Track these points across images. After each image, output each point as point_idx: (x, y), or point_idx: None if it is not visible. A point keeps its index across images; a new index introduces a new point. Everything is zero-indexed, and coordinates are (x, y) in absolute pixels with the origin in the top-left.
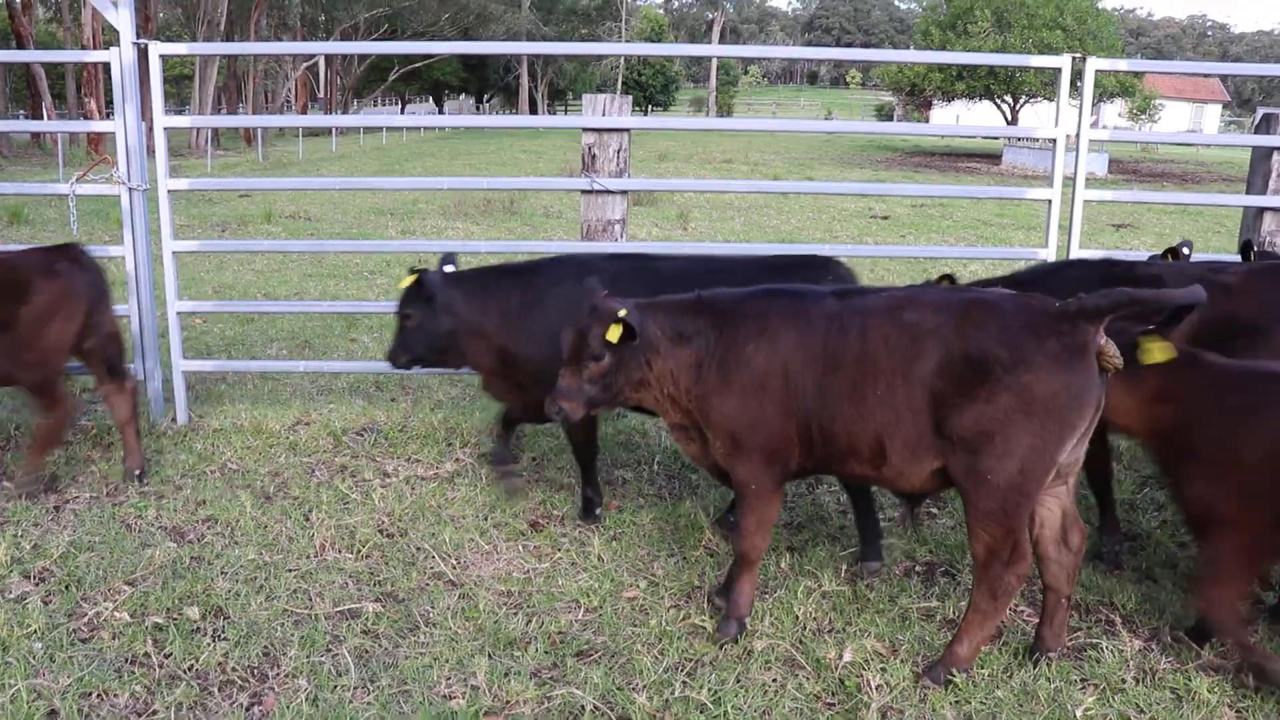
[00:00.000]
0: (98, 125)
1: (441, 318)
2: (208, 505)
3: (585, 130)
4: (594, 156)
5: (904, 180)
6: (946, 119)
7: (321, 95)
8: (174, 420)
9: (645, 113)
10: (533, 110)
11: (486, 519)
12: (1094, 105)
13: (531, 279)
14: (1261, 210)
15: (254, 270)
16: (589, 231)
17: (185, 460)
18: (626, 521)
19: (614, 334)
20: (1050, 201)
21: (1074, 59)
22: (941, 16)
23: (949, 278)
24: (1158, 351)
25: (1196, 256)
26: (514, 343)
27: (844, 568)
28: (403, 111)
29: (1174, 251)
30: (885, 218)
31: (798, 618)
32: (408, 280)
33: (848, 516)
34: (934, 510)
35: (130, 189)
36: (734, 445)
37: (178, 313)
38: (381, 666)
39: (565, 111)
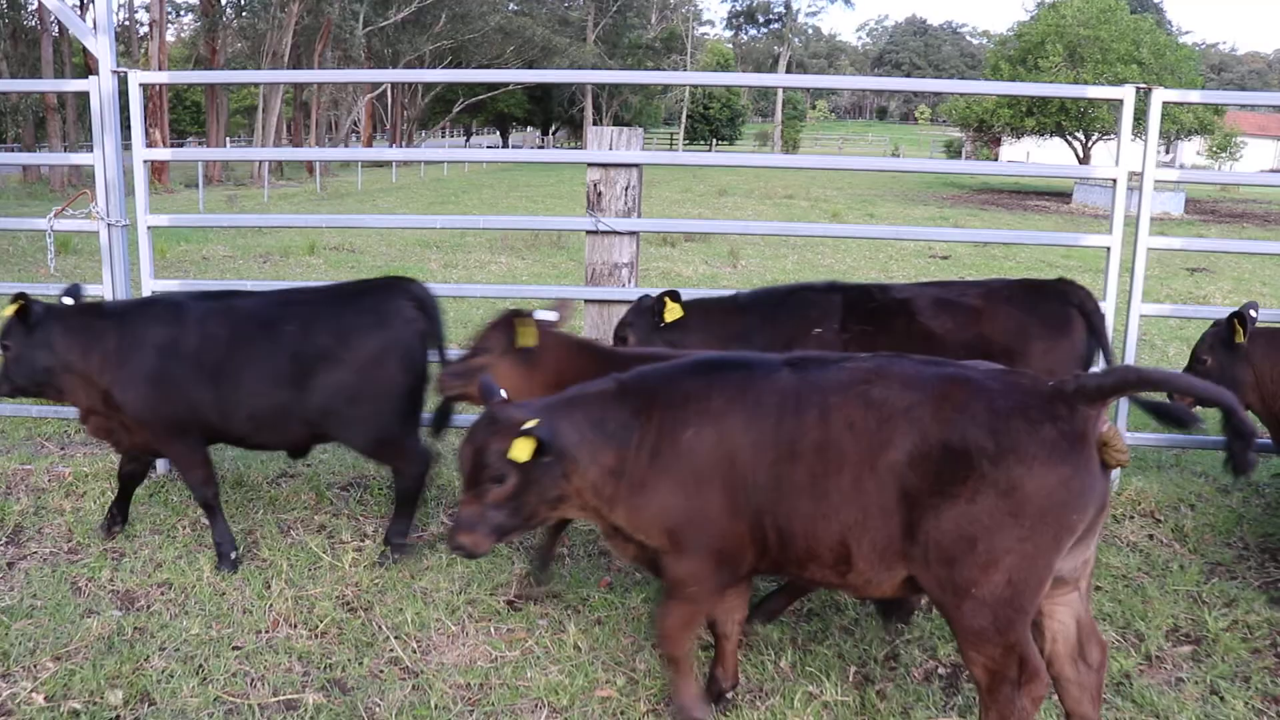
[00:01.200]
0: (76, 158)
1: (39, 352)
2: (165, 568)
3: (591, 165)
4: (600, 194)
5: (969, 218)
6: (1016, 155)
7: (387, 126)
8: (153, 469)
9: (710, 146)
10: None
11: (461, 593)
12: (1170, 142)
13: (125, 320)
14: None
15: None
16: (594, 275)
17: (156, 514)
18: (614, 603)
19: (520, 451)
20: (1109, 249)
21: (1138, 89)
22: (1012, 51)
23: None
24: (529, 335)
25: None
26: (114, 386)
27: (853, 669)
28: (468, 143)
29: (1240, 315)
30: (945, 257)
31: None
32: (10, 309)
33: (865, 604)
34: None
35: (109, 224)
36: (674, 545)
37: None
38: None
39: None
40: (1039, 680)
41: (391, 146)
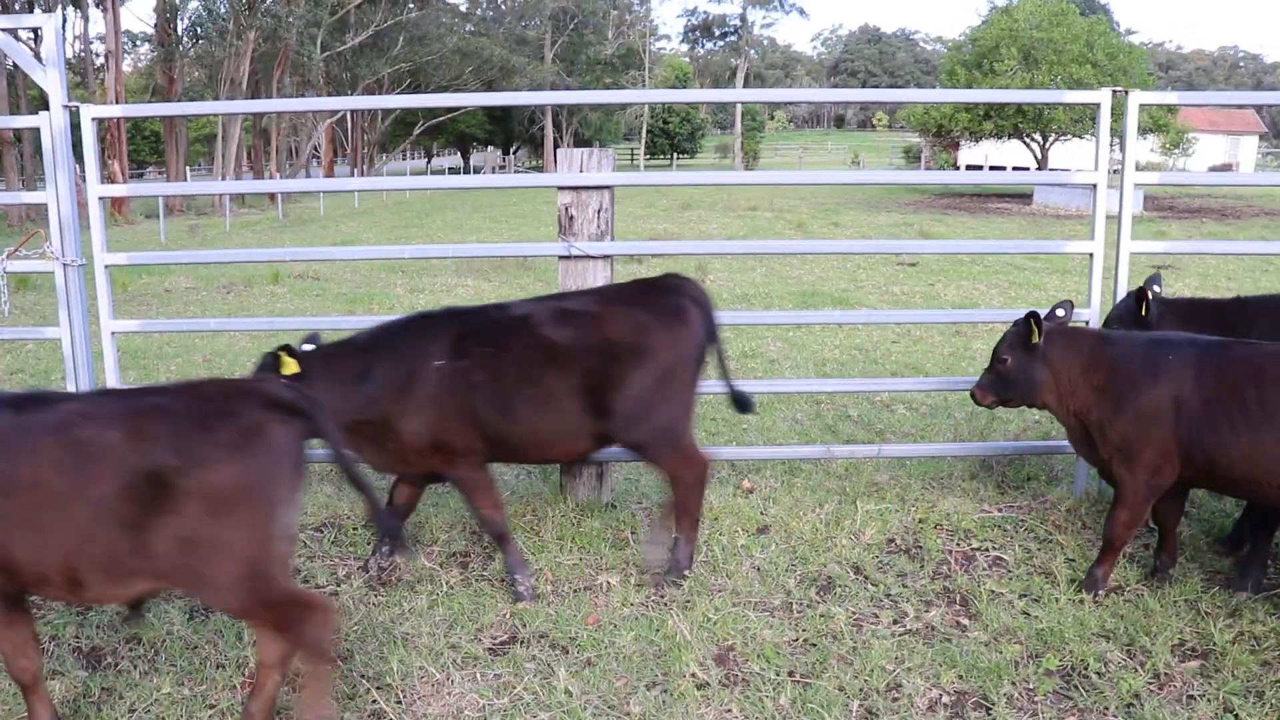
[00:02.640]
0: (28, 196)
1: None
2: (135, 622)
3: (561, 189)
4: (571, 218)
5: (933, 223)
6: (974, 159)
7: (348, 150)
8: None
9: (671, 160)
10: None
11: (444, 638)
12: (1123, 141)
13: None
14: None
15: (250, 336)
16: None
17: None
18: (604, 642)
19: None
20: (1091, 255)
21: (1115, 93)
22: (967, 56)
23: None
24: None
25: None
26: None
27: (855, 703)
28: (429, 164)
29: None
30: (913, 264)
31: None
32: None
33: (862, 631)
34: (964, 622)
35: (65, 264)
36: None
37: None
38: None
39: None
40: (324, 607)
41: (352, 171)
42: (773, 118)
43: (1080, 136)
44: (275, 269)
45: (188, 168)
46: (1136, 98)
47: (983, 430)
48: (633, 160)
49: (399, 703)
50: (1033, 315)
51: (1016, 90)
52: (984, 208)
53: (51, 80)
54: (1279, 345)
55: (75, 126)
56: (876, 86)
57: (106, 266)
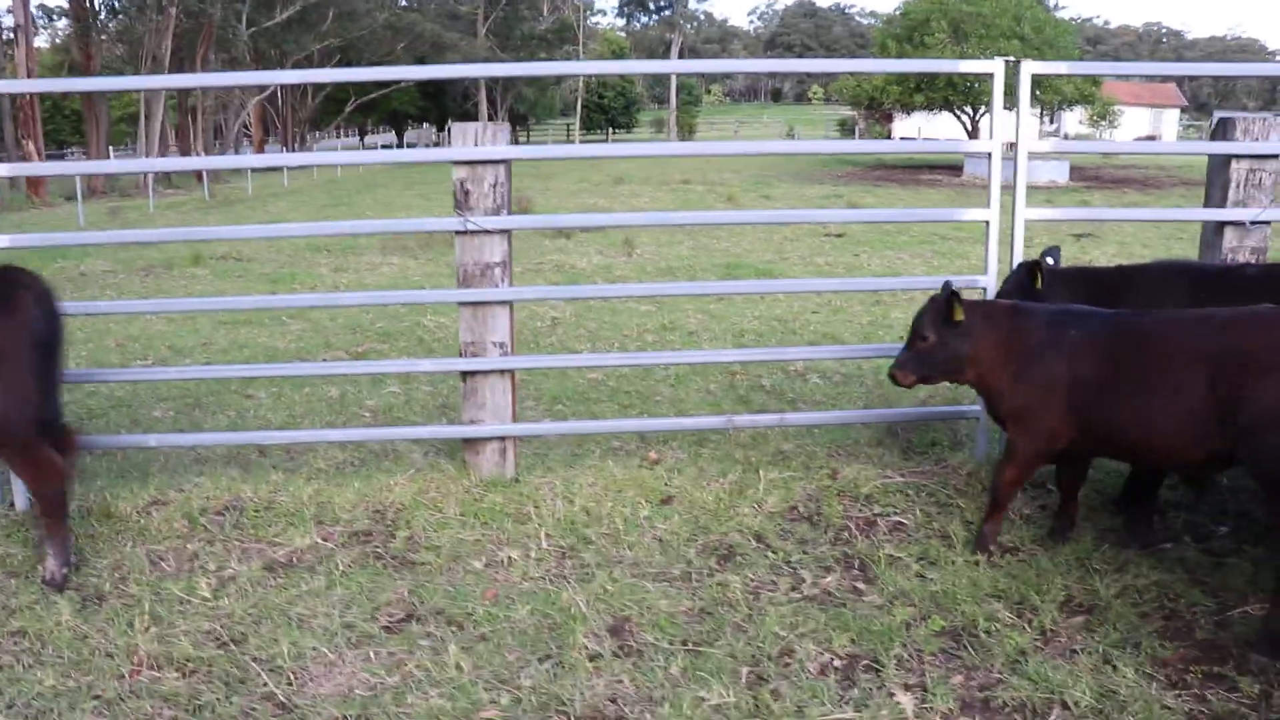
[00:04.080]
0: None
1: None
2: (20, 614)
3: (456, 164)
4: (467, 193)
5: (863, 194)
6: (908, 131)
7: (279, 128)
8: (10, 506)
9: (607, 135)
10: None
11: (340, 618)
12: (1053, 112)
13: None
14: (1221, 225)
15: (167, 319)
16: (466, 277)
17: (14, 555)
18: (500, 617)
19: None
20: (988, 222)
21: (1007, 63)
22: (899, 29)
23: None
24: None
25: None
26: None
27: (746, 670)
28: (362, 142)
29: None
30: (840, 235)
31: None
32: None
33: (759, 598)
34: (860, 587)
35: None
36: None
37: None
38: None
39: (528, 137)
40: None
41: (284, 150)
42: (709, 92)
43: (1010, 109)
44: (196, 251)
45: (110, 148)
46: (1029, 67)
47: (889, 397)
48: (569, 135)
49: (289, 684)
50: (951, 291)
51: (912, 60)
52: (915, 179)
53: None
54: (1171, 313)
55: None
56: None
57: None
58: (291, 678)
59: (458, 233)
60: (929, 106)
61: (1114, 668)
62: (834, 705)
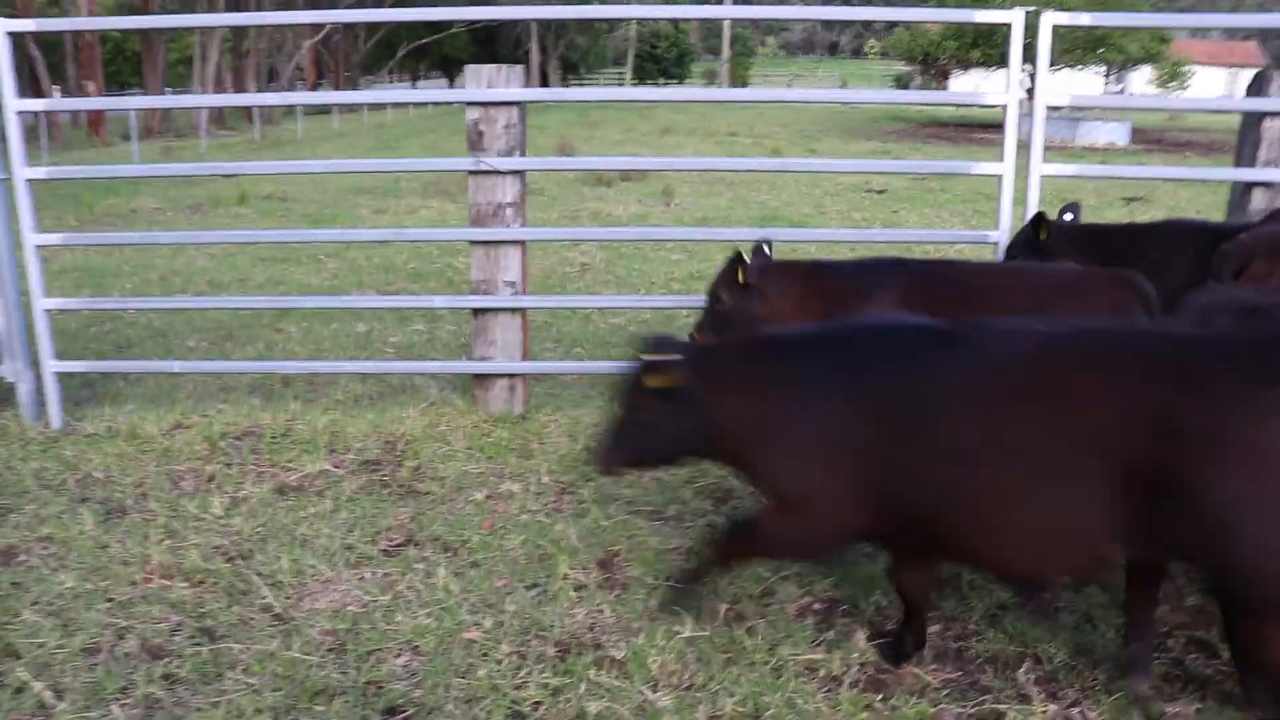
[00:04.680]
0: None
1: None
2: (49, 522)
3: (470, 105)
4: (480, 134)
5: (911, 151)
6: (965, 87)
7: (331, 72)
8: (47, 425)
9: (659, 84)
10: (545, 85)
11: (341, 540)
12: (1117, 73)
13: None
14: (1249, 186)
15: (208, 255)
16: (479, 216)
17: (48, 469)
18: (493, 546)
19: None
20: (1001, 177)
21: (1027, 14)
22: None
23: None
24: None
25: None
26: None
27: (724, 607)
28: (414, 86)
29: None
30: (881, 191)
31: (650, 672)
32: None
33: None
34: None
35: None
36: None
37: (45, 310)
38: None
39: (580, 85)
40: None
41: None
42: (764, 44)
43: (1072, 66)
44: (243, 190)
45: (166, 88)
46: (1050, 18)
47: None
48: (620, 85)
49: (288, 598)
50: (738, 258)
51: (926, 9)
52: (967, 137)
53: None
54: (982, 264)
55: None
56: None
57: (26, 181)
58: (290, 592)
59: (470, 173)
60: (985, 62)
61: (1094, 626)
62: (806, 646)
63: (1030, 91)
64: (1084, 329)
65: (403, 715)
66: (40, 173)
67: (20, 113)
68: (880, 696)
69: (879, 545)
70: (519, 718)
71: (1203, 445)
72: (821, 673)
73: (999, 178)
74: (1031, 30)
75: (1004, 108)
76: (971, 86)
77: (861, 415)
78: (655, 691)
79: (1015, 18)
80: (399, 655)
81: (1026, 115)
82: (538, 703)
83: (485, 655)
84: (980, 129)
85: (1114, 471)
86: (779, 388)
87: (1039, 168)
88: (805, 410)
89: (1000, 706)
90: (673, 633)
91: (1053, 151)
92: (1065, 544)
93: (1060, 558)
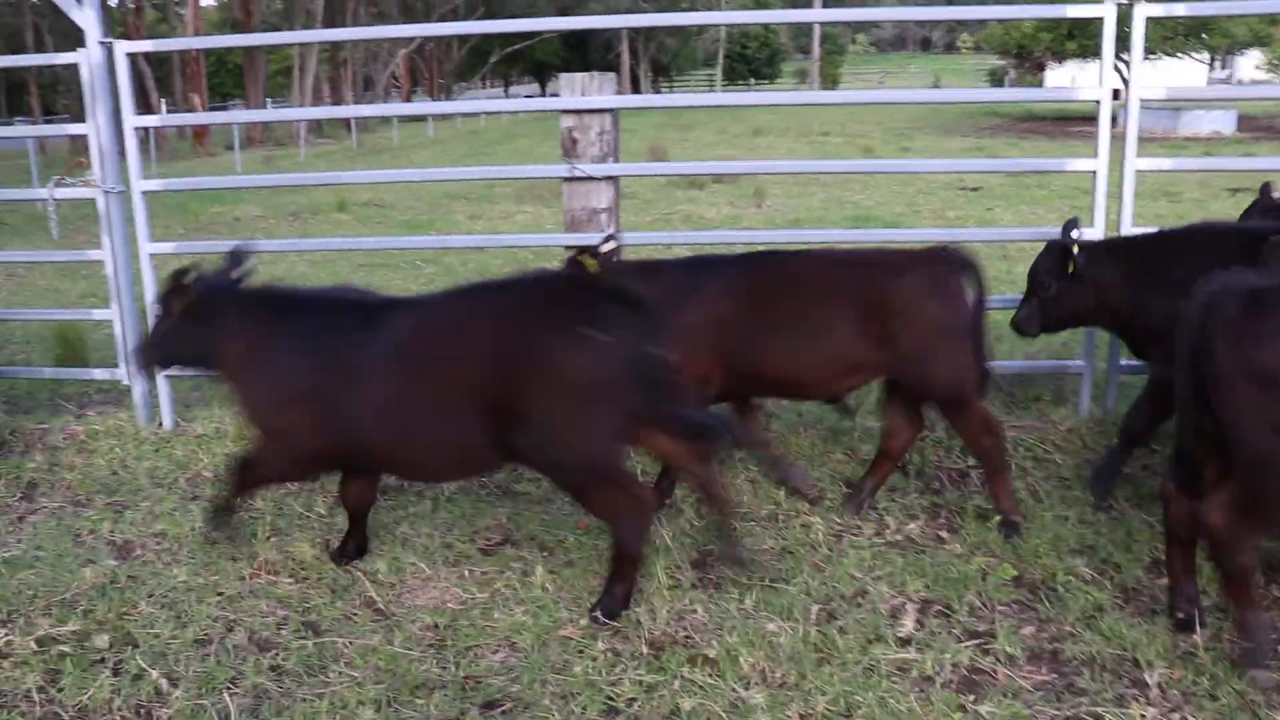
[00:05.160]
0: (72, 128)
1: None
2: (163, 519)
3: (564, 113)
4: (574, 141)
5: (1007, 147)
6: (1061, 80)
7: (425, 80)
8: (160, 426)
9: (748, 86)
10: (635, 88)
11: (440, 539)
12: (1224, 58)
13: None
14: None
15: (309, 261)
16: (574, 222)
17: (161, 468)
18: (588, 545)
19: None
20: (1095, 173)
21: (1119, 5)
22: None
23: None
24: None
25: None
26: None
27: (816, 607)
28: (506, 92)
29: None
30: (976, 189)
31: (742, 672)
32: None
33: (841, 541)
34: (943, 535)
35: (105, 191)
36: None
37: None
38: (272, 712)
39: (670, 88)
40: None
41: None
42: (854, 41)
43: (1174, 55)
44: (341, 197)
45: (268, 99)
46: (1143, 9)
47: (998, 348)
48: (711, 87)
49: (389, 594)
50: (583, 252)
51: (1018, 6)
52: (1064, 131)
53: (87, 18)
54: (807, 253)
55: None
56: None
57: (143, 193)
58: (391, 589)
59: (565, 179)
60: (1082, 54)
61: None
62: (898, 646)
63: (1124, 85)
64: (458, 297)
65: (500, 709)
66: (155, 185)
67: (137, 128)
68: (973, 697)
69: (331, 470)
70: (614, 713)
71: (525, 371)
72: (914, 673)
73: (1093, 174)
74: (1124, 21)
75: (1097, 103)
76: (1068, 78)
77: (315, 368)
78: (747, 689)
79: (1107, 10)
80: (497, 651)
81: (1122, 107)
82: (632, 699)
83: (581, 652)
84: (1079, 121)
85: (477, 399)
86: (260, 340)
87: (1134, 162)
88: (276, 361)
89: (1097, 709)
90: (764, 631)
91: (1154, 144)
92: (456, 455)
93: (452, 466)
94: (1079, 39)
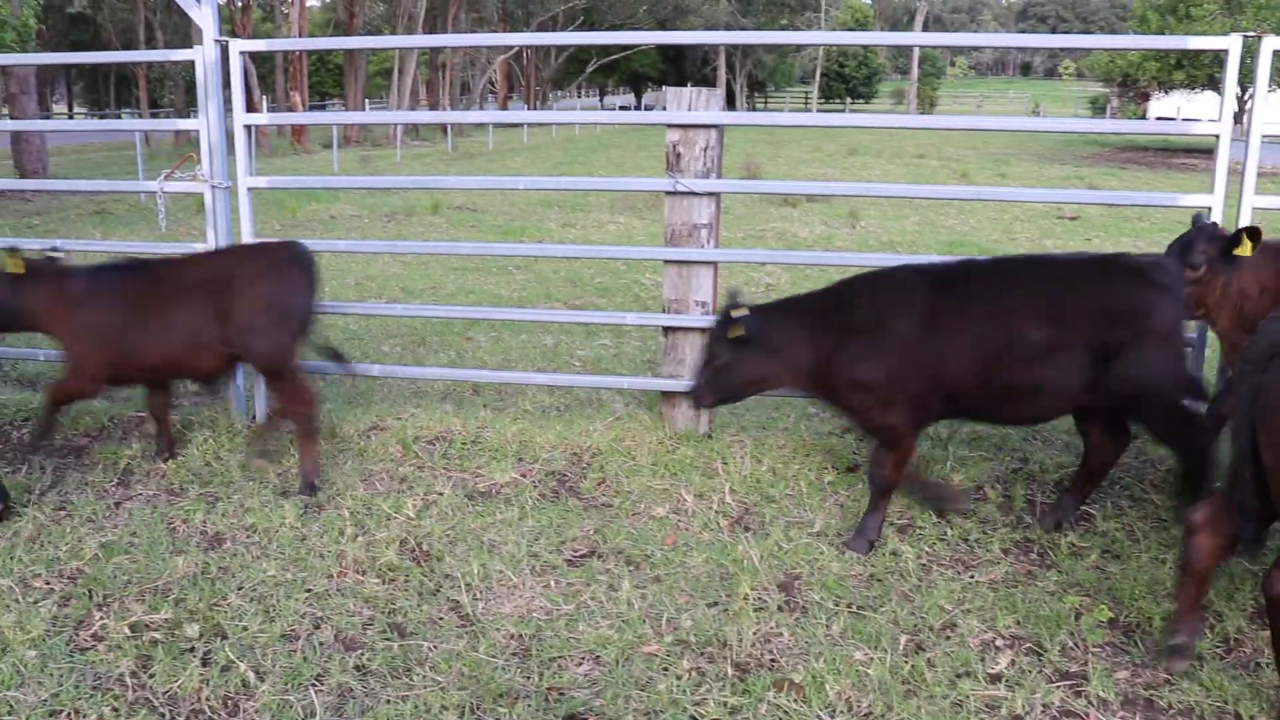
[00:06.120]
0: (183, 123)
1: None
2: (254, 512)
3: (669, 127)
4: (679, 155)
5: (1106, 177)
6: (1165, 110)
7: (522, 85)
8: (253, 419)
9: (845, 105)
10: (730, 103)
11: (527, 548)
12: None
13: None
14: None
15: (402, 262)
16: (673, 236)
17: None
18: (676, 562)
19: None
20: (1209, 209)
21: (1245, 38)
22: (1161, 1)
23: None
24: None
25: None
26: None
27: (905, 637)
28: (601, 102)
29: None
30: (1074, 218)
31: (829, 699)
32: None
33: (930, 572)
34: (1035, 571)
35: (213, 186)
36: None
37: None
38: (356, 711)
39: (765, 104)
40: None
41: (525, 107)
42: (953, 64)
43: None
44: (436, 200)
45: (366, 100)
46: (1270, 43)
47: None
48: (806, 103)
49: (475, 600)
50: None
51: (1137, 36)
52: (1166, 162)
53: (205, 16)
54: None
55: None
56: (1067, 33)
57: (249, 189)
58: (478, 595)
59: (667, 193)
60: (1190, 84)
61: None
62: (987, 682)
63: (1243, 118)
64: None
65: None
66: (261, 182)
67: (246, 125)
68: None
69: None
70: None
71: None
72: (1003, 710)
73: (1208, 210)
74: (1248, 53)
75: (1215, 137)
76: (1173, 108)
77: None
78: (834, 718)
79: (1233, 43)
80: (580, 663)
81: (1239, 142)
82: None
83: (665, 669)
84: (1182, 153)
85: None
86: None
87: (1251, 199)
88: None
89: None
90: (851, 659)
91: (1266, 179)
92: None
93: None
94: (1188, 69)
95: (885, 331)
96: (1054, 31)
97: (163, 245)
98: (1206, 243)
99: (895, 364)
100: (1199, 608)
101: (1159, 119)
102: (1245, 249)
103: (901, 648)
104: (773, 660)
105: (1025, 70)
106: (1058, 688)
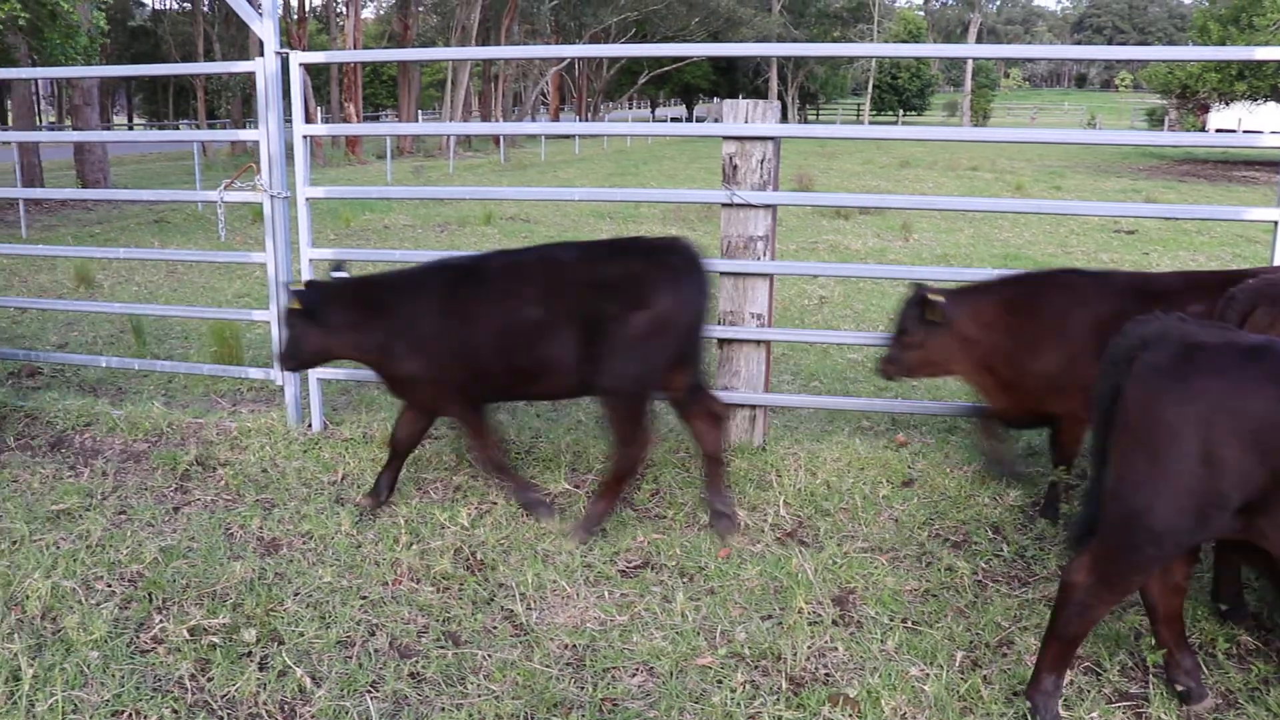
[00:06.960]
0: (243, 134)
1: None
2: (309, 519)
3: (726, 139)
4: (735, 167)
5: (1164, 190)
6: (1226, 122)
7: (574, 97)
8: (309, 427)
9: (898, 117)
10: (782, 115)
11: (581, 558)
12: None
13: None
14: None
15: None
16: (729, 248)
17: (308, 469)
18: (729, 574)
19: None
20: (1276, 223)
21: None
22: (1223, 10)
23: None
24: None
25: None
26: None
27: (960, 654)
28: (653, 114)
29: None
30: (1131, 232)
31: (884, 715)
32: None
33: (986, 588)
34: None
35: (272, 196)
36: None
37: None
38: (411, 719)
39: (817, 116)
40: None
41: (578, 119)
42: (1008, 75)
43: None
44: (489, 211)
45: (419, 111)
46: None
47: None
48: (859, 115)
49: (529, 609)
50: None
51: (1201, 48)
52: (1227, 175)
53: (266, 29)
54: None
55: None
56: (1124, 44)
57: (307, 199)
58: (532, 604)
59: (724, 205)
60: (1252, 96)
61: None
62: None
63: None
64: None
65: None
66: (319, 192)
67: (305, 136)
68: None
69: None
70: None
71: None
72: None
73: (1274, 224)
74: None
75: None
76: (1233, 120)
77: None
78: None
79: None
80: (634, 675)
81: None
82: None
83: (719, 682)
84: (1243, 166)
85: None
86: None
87: None
88: None
89: None
90: (907, 674)
91: None
92: None
93: None
94: (1250, 79)
95: None
96: (1110, 42)
97: (220, 254)
98: (915, 308)
99: None
100: (1184, 646)
101: (1219, 131)
102: (936, 315)
103: (957, 664)
104: (827, 675)
105: (1081, 82)
106: (1117, 709)
